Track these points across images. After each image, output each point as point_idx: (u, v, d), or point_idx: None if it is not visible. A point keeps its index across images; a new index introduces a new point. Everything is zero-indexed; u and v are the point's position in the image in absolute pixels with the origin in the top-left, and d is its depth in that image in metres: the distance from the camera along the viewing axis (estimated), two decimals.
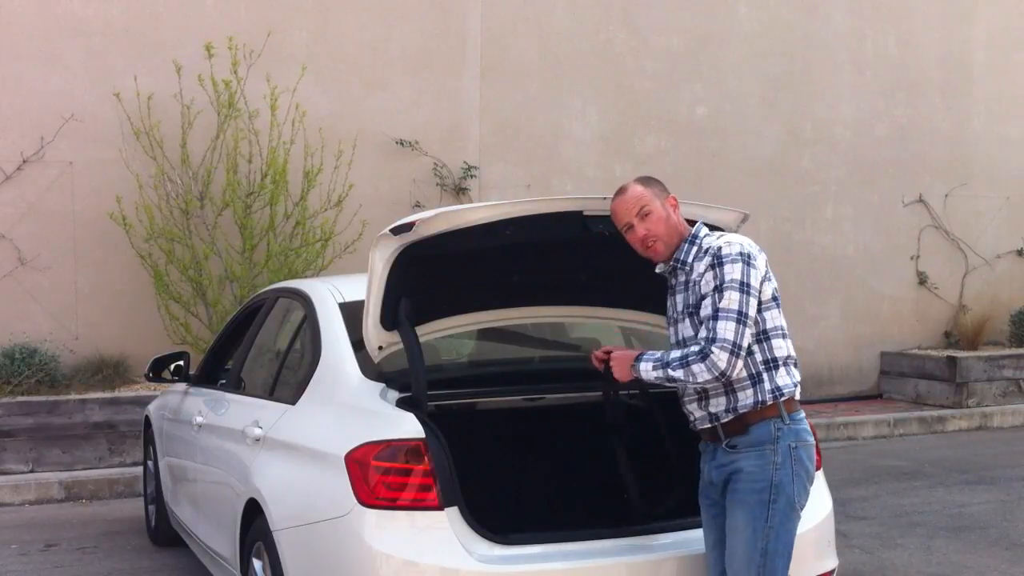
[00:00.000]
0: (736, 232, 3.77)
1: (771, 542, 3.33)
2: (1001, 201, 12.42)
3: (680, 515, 3.79)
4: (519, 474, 4.65)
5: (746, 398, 3.38)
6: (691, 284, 3.44)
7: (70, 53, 8.89)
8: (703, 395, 3.45)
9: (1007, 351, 11.51)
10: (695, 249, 3.46)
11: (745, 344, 3.28)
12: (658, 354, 3.42)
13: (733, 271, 3.31)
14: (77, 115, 8.81)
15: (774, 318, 3.40)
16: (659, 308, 4.17)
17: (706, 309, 3.33)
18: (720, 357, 3.25)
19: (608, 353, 3.56)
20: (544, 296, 4.22)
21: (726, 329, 3.26)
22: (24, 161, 8.76)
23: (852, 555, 6.05)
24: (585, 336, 5.04)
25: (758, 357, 3.37)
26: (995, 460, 8.92)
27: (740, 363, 3.29)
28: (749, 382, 3.37)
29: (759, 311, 3.35)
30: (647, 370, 3.40)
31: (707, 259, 3.38)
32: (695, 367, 3.29)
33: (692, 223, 3.58)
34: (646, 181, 3.53)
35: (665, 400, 4.08)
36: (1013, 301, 12.33)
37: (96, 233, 8.85)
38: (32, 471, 7.94)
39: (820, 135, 11.60)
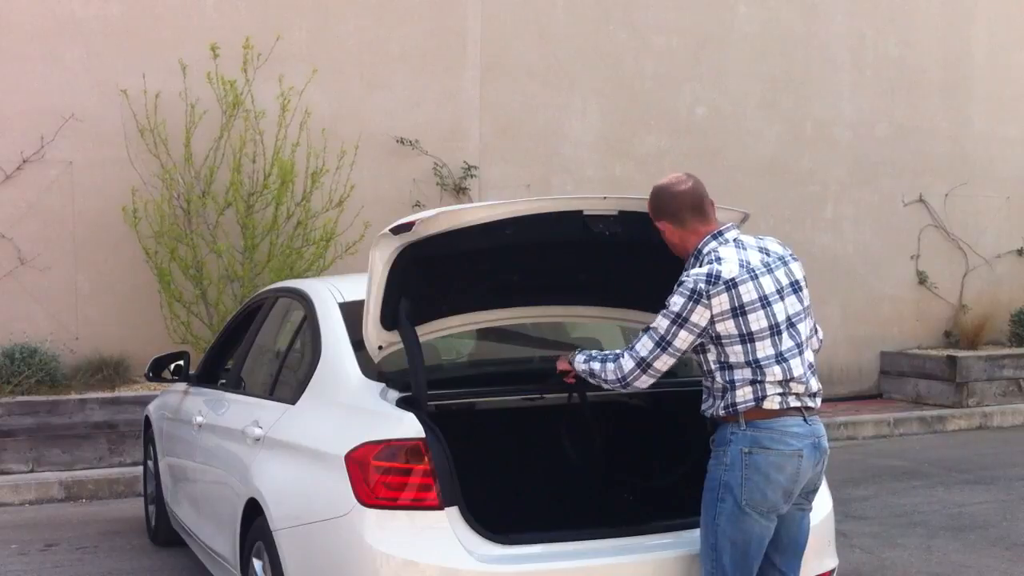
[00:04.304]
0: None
1: (719, 539, 3.44)
2: (1001, 201, 12.42)
3: (680, 514, 3.78)
4: (519, 474, 4.64)
5: (709, 407, 3.52)
6: None
7: (70, 53, 8.88)
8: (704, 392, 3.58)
9: (1007, 351, 11.51)
10: (697, 264, 3.50)
11: (658, 367, 3.44)
12: (596, 352, 3.65)
13: (677, 302, 3.40)
14: (77, 115, 8.81)
15: (736, 353, 3.40)
16: (659, 307, 4.17)
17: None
18: (626, 363, 3.47)
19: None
20: (544, 296, 4.22)
21: (644, 345, 3.45)
22: (24, 161, 8.76)
23: (852, 555, 6.05)
24: (585, 336, 5.03)
25: (718, 379, 3.44)
26: (995, 460, 8.92)
27: (645, 379, 3.46)
28: (719, 394, 3.46)
29: (719, 344, 3.40)
30: (580, 361, 3.65)
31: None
32: (609, 364, 3.53)
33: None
34: (651, 201, 3.61)
35: (665, 400, 4.08)
36: (1013, 301, 12.33)
37: (96, 233, 8.86)
38: (32, 471, 7.94)
39: (820, 135, 11.60)
